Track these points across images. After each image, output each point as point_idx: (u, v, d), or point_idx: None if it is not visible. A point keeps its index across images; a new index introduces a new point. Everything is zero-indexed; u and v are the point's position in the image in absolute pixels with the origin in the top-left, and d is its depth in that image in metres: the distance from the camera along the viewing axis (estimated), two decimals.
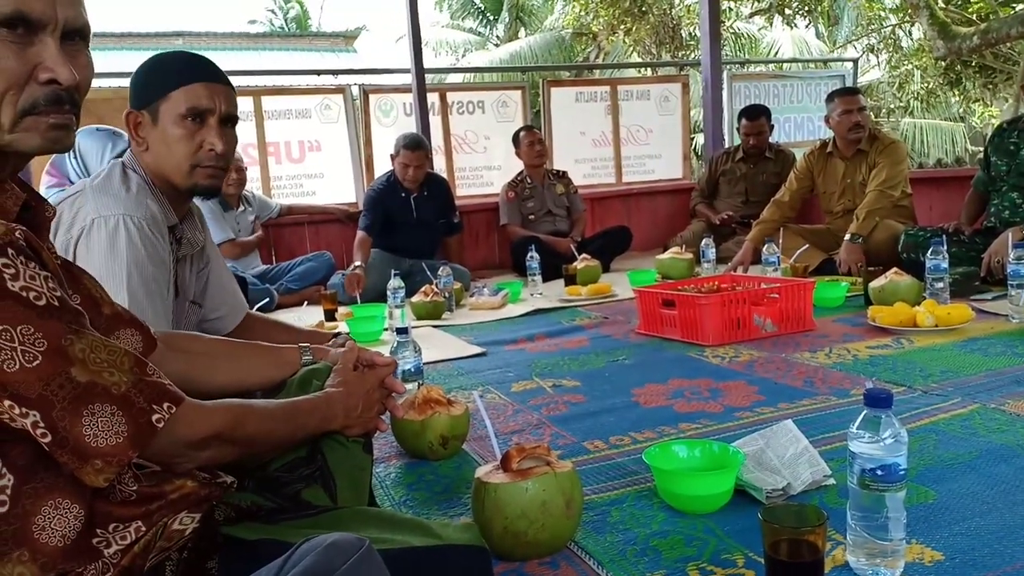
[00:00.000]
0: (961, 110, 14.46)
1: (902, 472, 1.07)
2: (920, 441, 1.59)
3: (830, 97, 4.12)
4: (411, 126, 5.41)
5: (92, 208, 1.53)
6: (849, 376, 2.14)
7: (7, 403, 0.77)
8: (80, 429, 0.80)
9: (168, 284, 1.60)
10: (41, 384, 0.78)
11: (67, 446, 0.80)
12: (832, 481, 1.39)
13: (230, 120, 1.59)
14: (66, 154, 2.85)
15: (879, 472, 1.06)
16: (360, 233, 4.46)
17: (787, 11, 10.07)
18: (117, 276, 1.48)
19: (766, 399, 1.99)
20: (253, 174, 5.02)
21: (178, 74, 1.55)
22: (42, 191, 2.98)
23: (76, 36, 0.91)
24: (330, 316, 3.61)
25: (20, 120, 0.87)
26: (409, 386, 1.94)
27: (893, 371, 2.16)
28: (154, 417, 0.86)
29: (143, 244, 1.51)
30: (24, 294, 0.78)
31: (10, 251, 0.77)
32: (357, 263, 4.28)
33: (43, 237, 0.93)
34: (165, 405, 0.88)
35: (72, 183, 2.77)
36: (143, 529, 0.90)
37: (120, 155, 1.87)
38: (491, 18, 17.14)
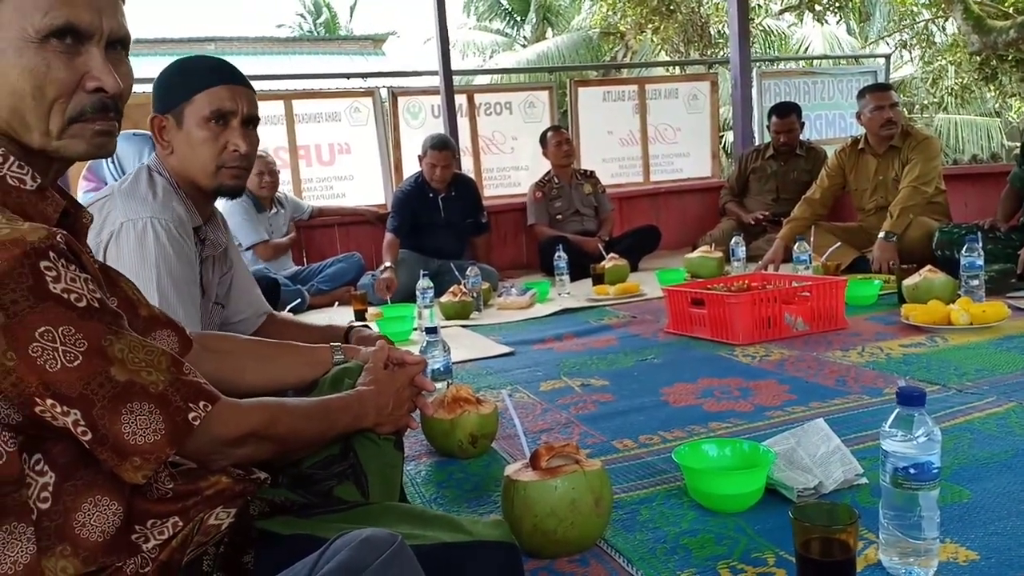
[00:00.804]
0: (997, 105, 14.16)
1: (935, 471, 1.05)
2: (954, 440, 1.57)
3: (861, 93, 4.07)
4: (439, 128, 5.43)
5: (121, 212, 1.57)
6: (882, 375, 2.12)
7: (49, 402, 0.79)
8: (119, 427, 0.82)
9: (196, 284, 1.63)
10: (82, 383, 0.80)
11: (107, 443, 0.82)
12: (864, 480, 1.38)
13: (252, 121, 1.63)
14: (103, 159, 2.92)
15: (912, 471, 1.05)
16: (388, 235, 4.49)
17: (817, 7, 9.94)
18: (147, 277, 1.52)
19: (797, 398, 1.97)
20: (284, 177, 5.08)
21: (200, 78, 1.58)
22: (79, 196, 3.05)
23: (119, 46, 0.93)
24: (360, 316, 3.65)
25: (68, 127, 0.89)
26: (438, 385, 1.96)
27: (927, 369, 2.13)
28: (191, 415, 0.88)
29: (171, 245, 1.55)
30: (65, 296, 0.80)
31: (52, 254, 0.80)
32: (387, 264, 4.31)
33: (82, 242, 0.96)
34: (201, 404, 0.90)
35: (104, 184, 2.83)
36: (180, 524, 0.92)
37: None
38: (518, 19, 17.17)
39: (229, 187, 1.64)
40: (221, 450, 0.96)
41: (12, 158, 0.88)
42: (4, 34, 0.85)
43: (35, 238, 0.79)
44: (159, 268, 1.52)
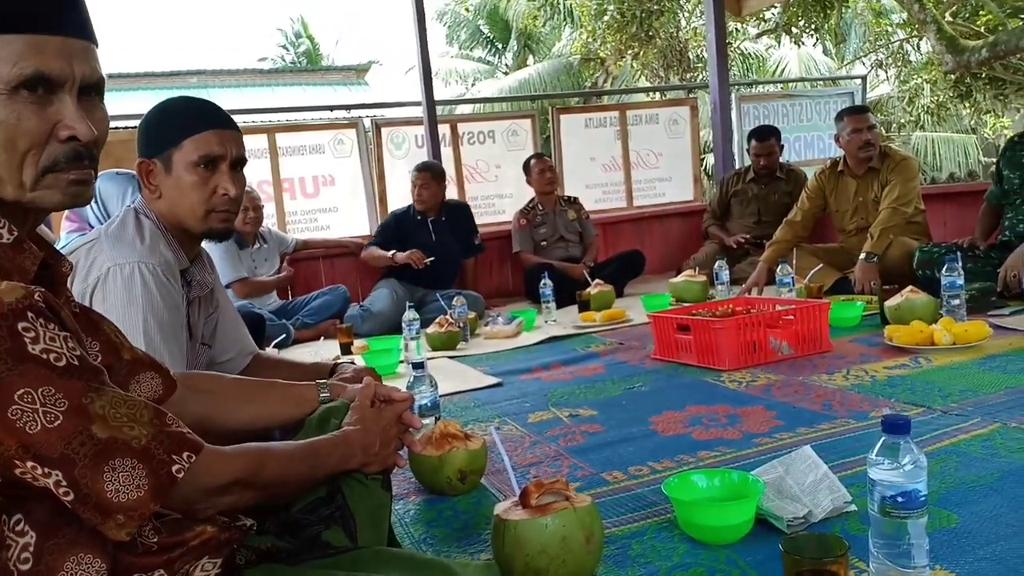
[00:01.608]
0: (972, 122, 14.40)
1: (923, 498, 1.06)
2: (941, 463, 1.58)
3: (839, 116, 4.13)
4: (423, 158, 5.46)
5: (108, 256, 1.57)
6: (867, 398, 2.13)
7: (30, 464, 0.79)
8: (102, 485, 0.81)
9: (182, 327, 1.63)
10: (63, 443, 0.79)
11: (89, 503, 0.81)
12: (853, 507, 1.38)
13: (240, 163, 1.64)
14: None
15: (899, 499, 1.06)
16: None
17: (794, 29, 10.10)
18: (134, 322, 1.51)
19: (784, 424, 1.98)
20: (269, 210, 5.08)
21: (188, 123, 1.58)
22: (62, 236, 3.04)
23: (92, 91, 0.93)
24: (346, 350, 3.63)
25: (42, 178, 0.89)
26: (426, 421, 1.95)
27: (912, 391, 2.14)
28: (174, 468, 0.87)
29: (158, 290, 1.54)
30: (44, 356, 0.79)
31: (30, 314, 0.79)
32: (390, 253, 4.52)
33: (60, 293, 0.95)
34: (185, 455, 0.89)
35: (92, 227, 2.82)
36: None
37: None
38: (500, 47, 17.33)
39: (219, 230, 1.65)
40: (206, 499, 0.95)
41: None
42: None
43: (12, 299, 0.78)
44: (146, 313, 1.52)
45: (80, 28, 0.91)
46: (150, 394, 1.10)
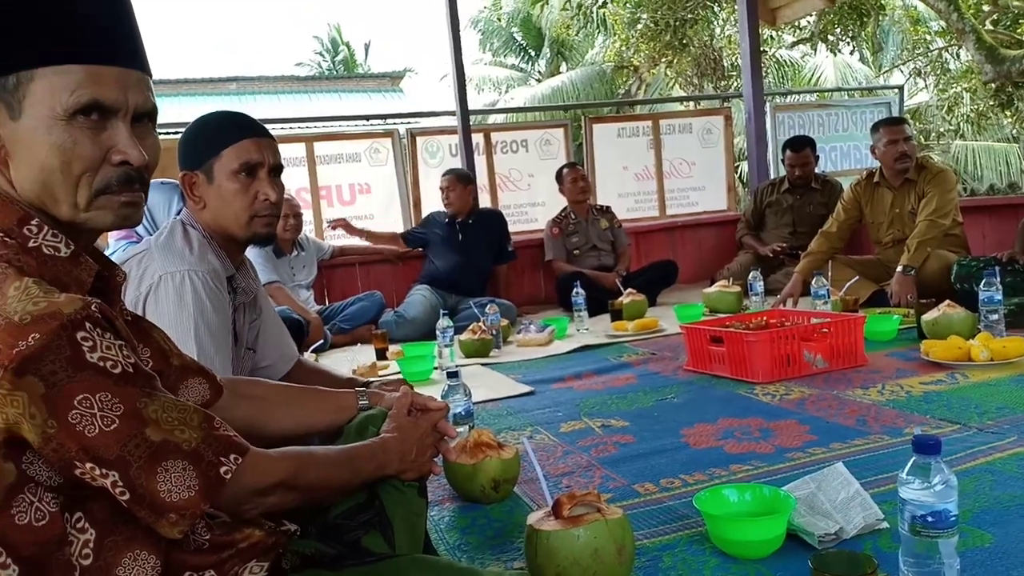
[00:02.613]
0: (1014, 131, 14.12)
1: (953, 518, 1.07)
2: (975, 482, 1.57)
3: (875, 127, 4.10)
4: (457, 166, 5.53)
5: (159, 265, 1.63)
6: (902, 414, 2.12)
7: (88, 465, 0.83)
8: (156, 485, 0.86)
9: (230, 333, 1.69)
10: (119, 445, 0.84)
11: (144, 502, 0.86)
12: (885, 525, 1.39)
13: (277, 170, 1.70)
14: None
15: (930, 519, 1.07)
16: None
17: (830, 37, 10.03)
18: (185, 327, 1.57)
19: (818, 439, 1.98)
20: (306, 217, 5.17)
21: (226, 133, 1.65)
22: (111, 243, 3.13)
23: (145, 119, 0.98)
24: (381, 355, 3.69)
25: (95, 199, 0.94)
26: (460, 430, 1.98)
27: (947, 408, 2.13)
28: (222, 469, 0.92)
29: (207, 296, 1.60)
30: (101, 363, 0.84)
31: (88, 324, 0.83)
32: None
33: (115, 302, 1.00)
34: (232, 456, 0.93)
35: (138, 234, 2.91)
36: None
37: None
38: (533, 54, 17.41)
39: (262, 235, 1.71)
40: (252, 499, 0.99)
41: (46, 227, 0.92)
42: (35, 112, 0.90)
43: (71, 310, 0.83)
44: (196, 319, 1.58)
45: (135, 60, 0.97)
46: (198, 398, 1.14)
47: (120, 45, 0.95)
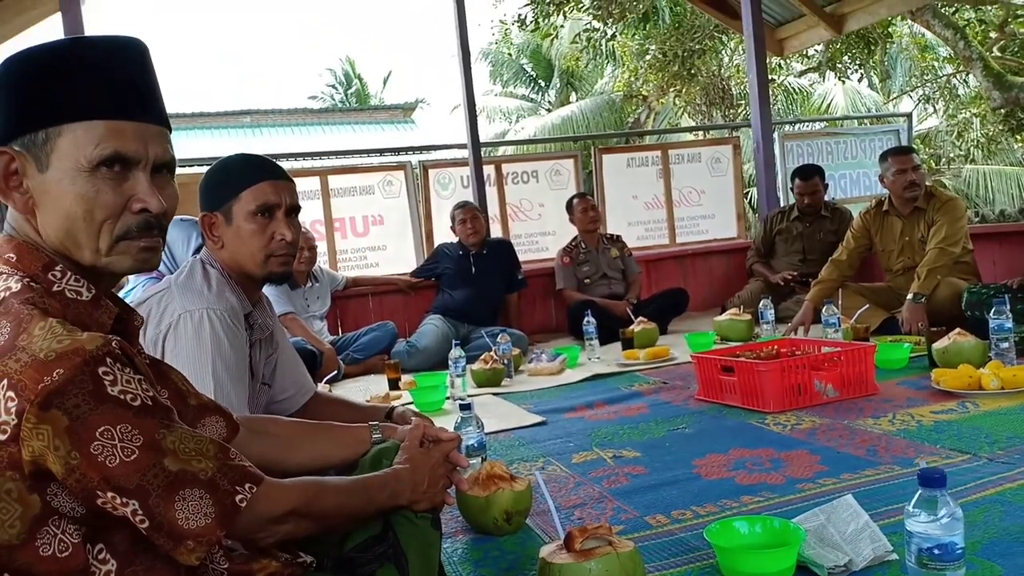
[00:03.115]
0: None
1: (959, 551, 1.09)
2: (985, 512, 1.58)
3: (883, 157, 4.13)
4: (468, 197, 5.60)
5: (179, 304, 1.68)
6: (913, 444, 2.12)
7: (110, 494, 0.87)
8: (174, 513, 0.90)
9: (246, 369, 1.73)
10: (139, 475, 0.88)
11: (163, 530, 0.90)
12: (895, 556, 1.39)
13: (294, 210, 1.76)
14: None
15: (936, 551, 1.08)
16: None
17: (839, 66, 10.10)
18: (203, 364, 1.61)
19: (828, 469, 1.98)
20: (320, 248, 5.24)
21: (245, 176, 1.71)
22: (130, 279, 3.19)
23: (164, 169, 1.04)
24: (394, 385, 3.72)
25: (116, 244, 0.99)
26: (473, 462, 2.01)
27: (958, 438, 2.14)
28: (238, 498, 0.96)
29: (225, 334, 1.65)
30: (122, 397, 0.88)
31: (108, 360, 0.88)
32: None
33: (133, 344, 1.05)
34: (247, 486, 0.97)
35: (159, 272, 2.97)
36: None
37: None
38: (543, 84, 17.60)
39: (278, 274, 1.76)
40: (266, 527, 1.02)
41: (69, 273, 0.98)
42: (61, 164, 0.96)
43: (93, 347, 0.88)
44: (214, 356, 1.62)
45: (155, 115, 1.03)
46: (215, 436, 1.18)
47: (141, 101, 1.01)
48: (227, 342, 1.64)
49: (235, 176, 1.73)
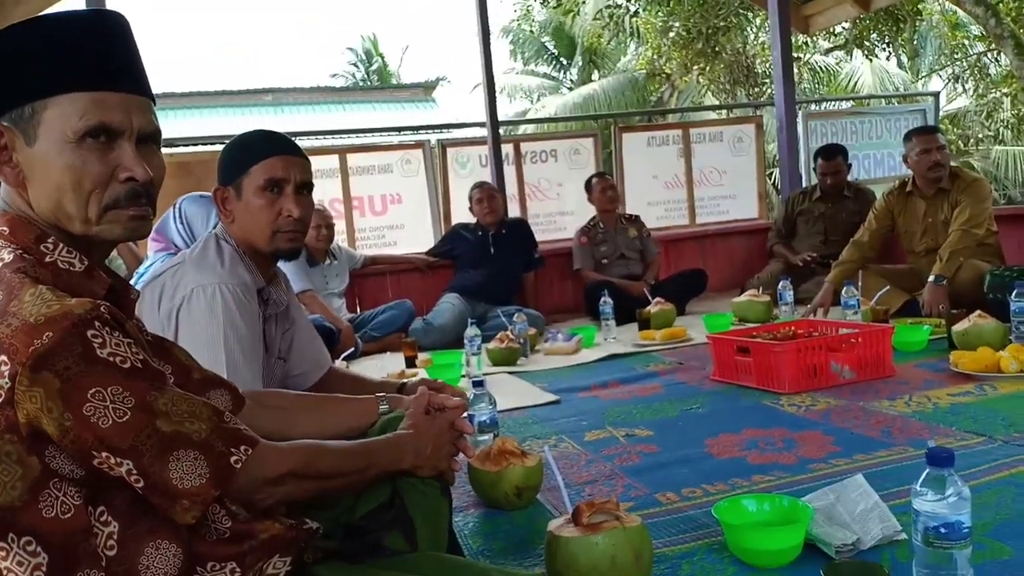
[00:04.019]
0: None
1: (966, 530, 1.08)
2: (997, 495, 1.57)
3: (907, 136, 4.06)
4: (487, 176, 5.60)
5: (192, 278, 1.70)
6: (928, 426, 2.11)
7: (104, 454, 0.90)
8: (168, 473, 0.92)
9: (260, 342, 1.75)
10: (132, 436, 0.90)
11: (158, 489, 0.92)
12: (904, 536, 1.39)
13: (305, 187, 1.75)
14: (171, 220, 3.10)
15: (943, 530, 1.08)
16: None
17: (866, 43, 9.91)
18: (215, 337, 1.64)
19: (841, 450, 1.98)
20: (339, 227, 5.27)
21: (256, 151, 1.72)
22: (149, 254, 3.23)
23: (149, 140, 1.05)
24: (410, 363, 3.74)
25: (104, 214, 1.01)
26: (485, 438, 2.02)
27: (974, 420, 2.12)
28: (232, 459, 0.98)
29: (237, 308, 1.66)
30: (111, 359, 0.90)
31: (97, 323, 0.90)
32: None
33: (128, 315, 1.06)
34: (242, 448, 1.00)
35: (176, 246, 3.00)
36: (238, 571, 1.00)
37: None
38: (564, 62, 17.44)
39: (286, 250, 1.77)
40: (264, 488, 1.04)
41: (61, 245, 1.00)
42: (48, 137, 0.98)
43: (81, 310, 0.90)
44: (226, 329, 1.64)
45: (138, 86, 1.05)
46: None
47: (123, 73, 1.03)
48: (239, 316, 1.66)
49: (247, 151, 1.74)
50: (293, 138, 1.85)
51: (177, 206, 3.09)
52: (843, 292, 3.61)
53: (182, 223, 3.03)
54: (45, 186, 1.00)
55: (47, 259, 0.98)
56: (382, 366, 3.72)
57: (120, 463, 0.90)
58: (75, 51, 1.00)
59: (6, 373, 0.86)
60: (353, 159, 5.65)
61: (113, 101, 1.00)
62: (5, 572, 0.88)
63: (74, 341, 0.88)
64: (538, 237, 5.27)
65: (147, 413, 0.91)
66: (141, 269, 3.22)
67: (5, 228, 1.00)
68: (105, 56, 1.02)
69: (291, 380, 1.91)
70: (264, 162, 1.70)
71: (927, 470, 1.11)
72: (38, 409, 0.87)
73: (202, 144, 5.23)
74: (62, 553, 0.89)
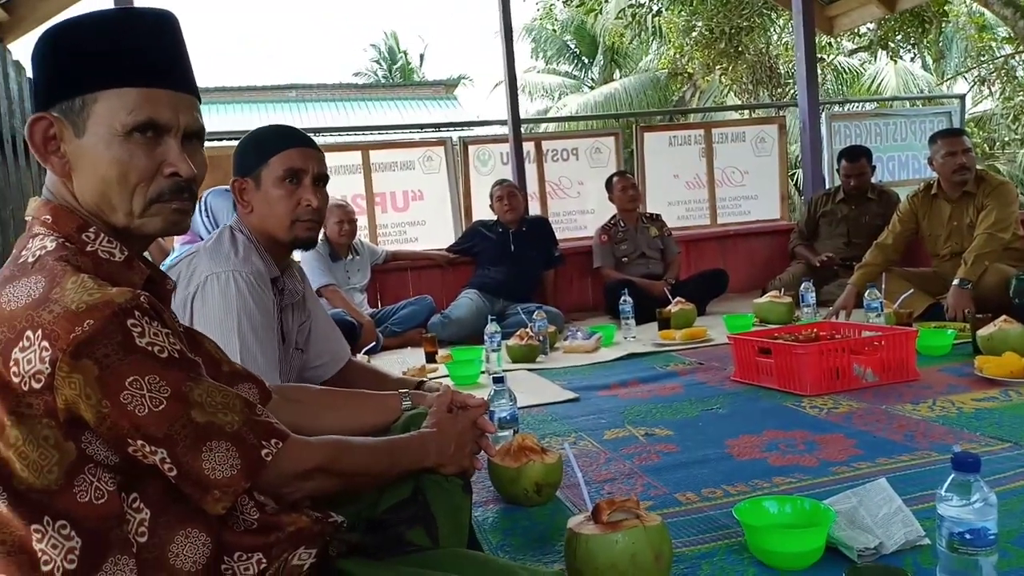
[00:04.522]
0: None
1: (992, 537, 1.07)
2: (1022, 501, 1.55)
3: (932, 139, 4.03)
4: (508, 174, 5.60)
5: (206, 266, 1.73)
6: (952, 431, 2.09)
7: (140, 442, 0.91)
8: (200, 463, 0.94)
9: (275, 331, 1.77)
10: (167, 425, 0.92)
11: (190, 479, 0.94)
12: (927, 541, 1.38)
13: (322, 179, 1.79)
14: (198, 213, 3.14)
15: (968, 536, 1.07)
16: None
17: (891, 45, 9.81)
18: (229, 324, 1.67)
19: (864, 453, 1.96)
20: (361, 223, 5.30)
21: (274, 143, 1.76)
22: (176, 247, 3.27)
23: (194, 138, 1.08)
24: (430, 359, 3.76)
25: (148, 207, 1.03)
26: (505, 433, 2.03)
27: (998, 426, 2.10)
28: (263, 452, 0.99)
29: (251, 295, 1.69)
30: (150, 348, 0.92)
31: (137, 312, 0.92)
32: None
33: (165, 306, 1.08)
34: (273, 441, 1.01)
35: (203, 239, 3.04)
36: (264, 562, 1.02)
37: None
38: (586, 61, 17.41)
39: (303, 239, 1.80)
40: (292, 483, 1.06)
41: (103, 235, 1.02)
42: (96, 130, 1.00)
43: (122, 300, 0.91)
44: (240, 316, 1.66)
45: (185, 84, 1.07)
46: None
47: (172, 71, 1.05)
48: (253, 303, 1.68)
49: (265, 143, 1.78)
50: (317, 134, 1.88)
51: (203, 199, 3.13)
52: (866, 294, 3.58)
53: (208, 216, 3.07)
54: (91, 178, 1.01)
55: (88, 248, 1.00)
56: (402, 360, 3.74)
57: (154, 451, 0.92)
58: (127, 47, 1.01)
59: (47, 359, 0.88)
60: (376, 156, 5.68)
61: (162, 98, 1.02)
62: (39, 554, 0.90)
63: (114, 329, 0.89)
64: (558, 235, 5.26)
65: (182, 403, 0.93)
66: (167, 262, 3.26)
67: (48, 216, 1.02)
68: (156, 53, 1.04)
69: (310, 372, 1.93)
70: (283, 153, 1.74)
71: (952, 475, 1.10)
72: (76, 395, 0.88)
73: (228, 139, 5.27)
74: (95, 538, 0.91)
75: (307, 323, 1.93)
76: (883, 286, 3.74)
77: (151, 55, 1.03)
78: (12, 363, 0.88)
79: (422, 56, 22.67)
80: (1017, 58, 11.56)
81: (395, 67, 21.13)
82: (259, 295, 1.71)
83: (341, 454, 1.12)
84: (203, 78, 1.12)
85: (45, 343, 0.88)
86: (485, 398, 1.57)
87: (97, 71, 1.00)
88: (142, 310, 0.92)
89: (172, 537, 0.96)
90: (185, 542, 0.96)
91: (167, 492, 0.96)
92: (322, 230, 4.73)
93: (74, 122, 1.00)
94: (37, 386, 0.88)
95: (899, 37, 9.43)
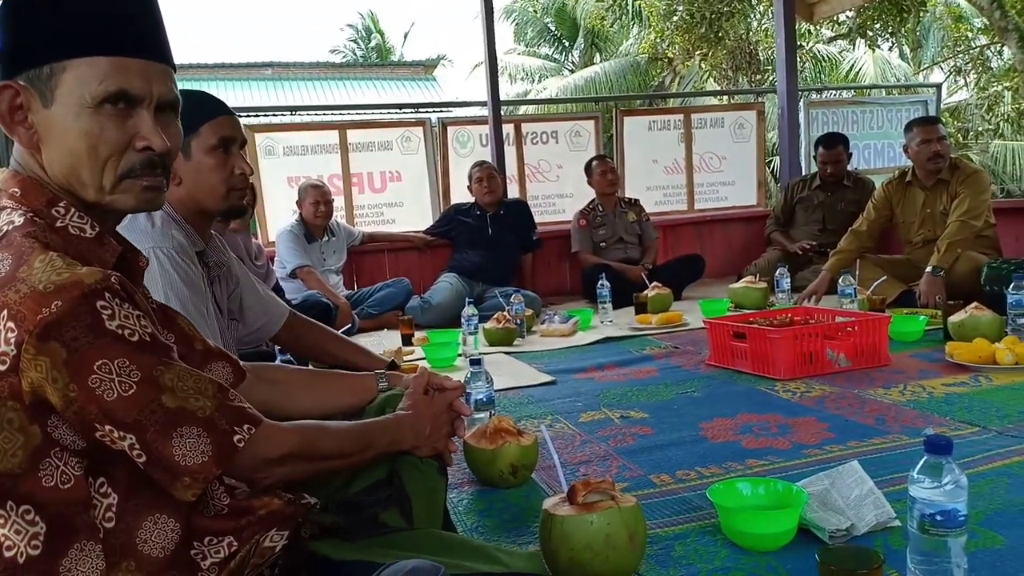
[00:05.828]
0: None
1: (962, 518, 1.08)
2: (991, 484, 1.58)
3: (908, 127, 4.06)
4: (487, 156, 5.57)
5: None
6: (923, 415, 2.12)
7: (108, 427, 0.88)
8: (171, 450, 0.91)
9: (207, 304, 1.73)
10: (136, 410, 0.89)
11: (160, 465, 0.91)
12: (897, 523, 1.40)
13: (243, 146, 1.79)
14: None
15: (939, 517, 1.08)
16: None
17: (869, 33, 9.87)
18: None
19: (835, 436, 1.99)
20: (338, 204, 5.24)
21: (202, 111, 1.70)
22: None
23: (168, 109, 1.03)
24: (407, 341, 3.74)
25: (119, 183, 0.99)
26: (481, 415, 2.03)
27: (968, 410, 2.13)
28: (235, 437, 0.97)
29: (175, 270, 1.64)
30: (120, 331, 0.89)
31: (107, 294, 0.89)
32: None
33: (137, 283, 1.05)
34: (245, 426, 0.98)
35: None
36: (235, 545, 0.99)
37: None
38: (566, 44, 17.34)
39: (238, 207, 1.78)
40: (265, 468, 1.03)
41: (73, 209, 0.98)
42: (65, 100, 0.96)
43: (91, 280, 0.88)
44: (166, 291, 1.61)
45: (159, 53, 1.02)
46: (222, 381, 1.20)
47: (146, 39, 1.01)
48: (178, 278, 1.63)
49: (193, 112, 1.70)
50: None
51: None
52: (840, 281, 3.61)
53: None
54: (60, 150, 0.97)
55: (58, 223, 0.97)
56: (379, 343, 3.71)
57: (123, 437, 0.89)
58: (98, 14, 0.97)
59: (12, 340, 0.85)
60: (353, 135, 5.61)
61: (134, 67, 0.98)
62: (2, 539, 0.87)
63: (83, 311, 0.86)
64: (537, 219, 5.25)
65: (153, 387, 0.90)
66: None
67: (17, 190, 0.98)
68: (128, 20, 0.99)
69: (253, 335, 1.94)
70: (214, 121, 1.69)
71: (925, 457, 1.11)
72: (43, 378, 0.86)
73: None
74: (60, 523, 0.89)
75: (237, 290, 1.91)
76: (857, 272, 3.78)
77: (122, 22, 0.98)
78: None
79: (406, 35, 22.43)
80: (992, 49, 11.68)
81: (371, 47, 20.89)
82: (184, 269, 1.65)
83: (315, 439, 1.10)
84: (176, 54, 1.08)
85: (11, 324, 0.85)
86: (462, 380, 1.56)
87: (65, 38, 0.95)
88: (112, 291, 0.89)
89: (140, 523, 0.93)
90: (153, 528, 0.94)
91: (136, 476, 0.93)
92: (298, 210, 4.67)
93: (41, 91, 0.96)
94: (2, 368, 0.85)
95: (878, 26, 9.49)
